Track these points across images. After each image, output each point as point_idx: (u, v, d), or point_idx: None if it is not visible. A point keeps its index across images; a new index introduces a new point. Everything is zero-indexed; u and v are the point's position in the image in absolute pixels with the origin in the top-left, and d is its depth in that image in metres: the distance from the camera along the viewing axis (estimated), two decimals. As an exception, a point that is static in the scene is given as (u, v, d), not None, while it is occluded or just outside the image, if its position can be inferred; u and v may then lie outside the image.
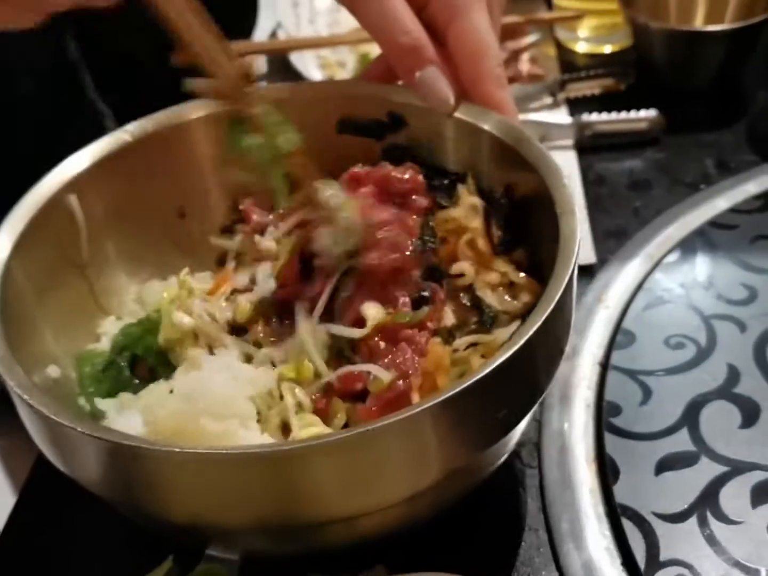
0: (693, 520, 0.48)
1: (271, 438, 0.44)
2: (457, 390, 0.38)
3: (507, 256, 0.50)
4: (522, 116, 0.54)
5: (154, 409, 0.43)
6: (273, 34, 0.97)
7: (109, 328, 0.51)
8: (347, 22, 0.93)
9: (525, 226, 0.51)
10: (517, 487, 0.53)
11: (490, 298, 0.48)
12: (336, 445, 0.37)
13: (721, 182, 0.72)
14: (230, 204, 0.56)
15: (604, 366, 0.58)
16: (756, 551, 0.46)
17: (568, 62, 0.90)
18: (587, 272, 0.65)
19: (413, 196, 0.50)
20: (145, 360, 0.50)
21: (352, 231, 0.47)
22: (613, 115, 0.79)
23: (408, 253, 0.47)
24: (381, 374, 0.44)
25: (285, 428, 0.45)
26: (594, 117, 0.79)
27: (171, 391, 0.45)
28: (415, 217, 0.49)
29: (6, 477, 0.71)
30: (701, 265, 0.64)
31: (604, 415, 0.54)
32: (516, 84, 0.85)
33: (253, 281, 0.51)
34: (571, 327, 0.45)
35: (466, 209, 0.51)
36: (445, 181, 0.53)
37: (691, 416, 0.53)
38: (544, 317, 0.40)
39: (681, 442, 0.52)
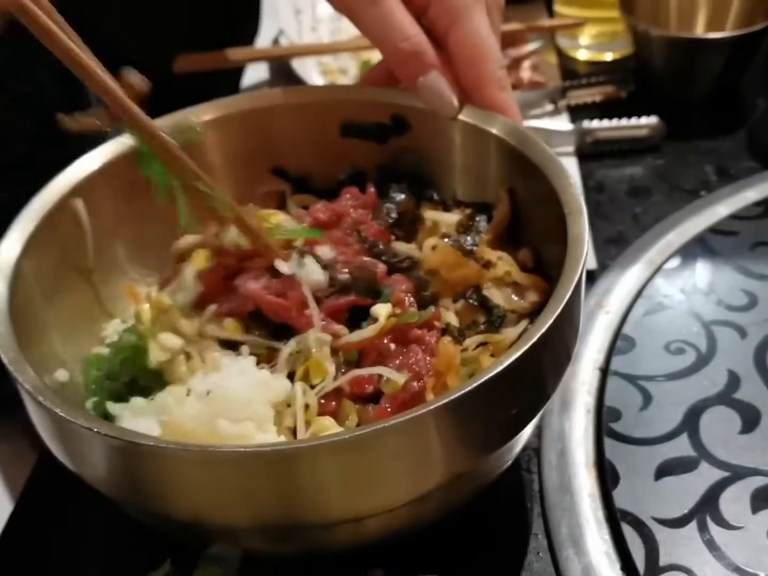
0: (693, 525, 0.48)
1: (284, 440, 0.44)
2: (466, 390, 0.38)
3: (512, 256, 0.51)
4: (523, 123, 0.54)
5: (171, 410, 0.44)
6: (275, 41, 0.97)
7: (114, 332, 0.51)
8: (349, 29, 0.94)
9: (530, 228, 0.51)
10: (517, 491, 0.53)
11: (496, 297, 0.49)
12: (340, 445, 0.37)
13: (722, 189, 0.73)
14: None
15: (605, 371, 0.58)
16: (756, 556, 0.46)
17: (569, 70, 0.91)
18: (588, 278, 0.65)
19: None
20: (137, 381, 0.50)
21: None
22: (614, 122, 0.79)
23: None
24: (394, 376, 0.44)
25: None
26: (595, 124, 0.79)
27: (188, 393, 0.45)
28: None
29: (6, 480, 0.71)
30: (701, 272, 0.64)
31: (604, 420, 0.54)
32: (517, 91, 0.85)
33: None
34: (579, 328, 0.45)
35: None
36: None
37: (691, 422, 0.53)
38: (554, 315, 0.40)
39: (681, 447, 0.52)
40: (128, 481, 0.41)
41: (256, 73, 0.93)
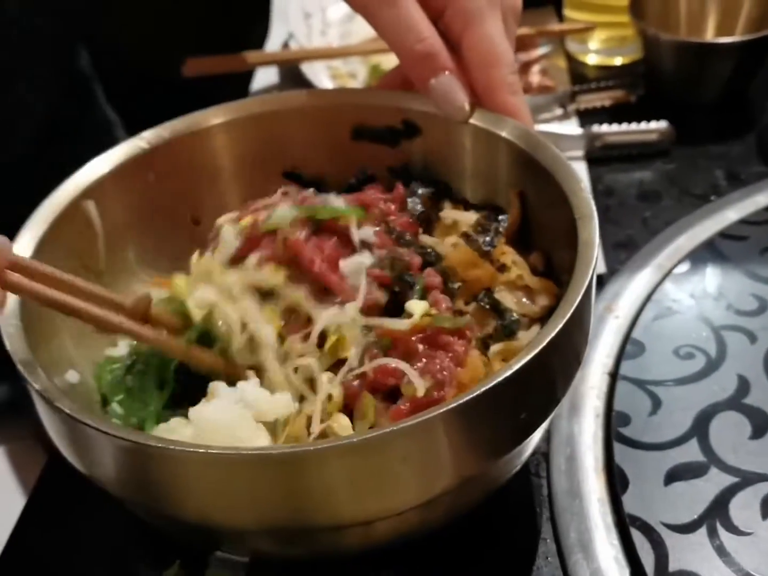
0: (702, 531, 0.48)
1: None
2: (475, 394, 0.38)
3: (523, 259, 0.51)
4: (532, 126, 0.54)
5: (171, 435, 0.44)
6: (285, 45, 0.97)
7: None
8: (359, 33, 0.94)
9: (540, 232, 0.51)
10: (526, 496, 0.53)
11: (507, 300, 0.48)
12: (349, 447, 0.37)
13: (731, 193, 0.72)
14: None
15: (614, 376, 0.58)
16: (766, 562, 0.46)
17: (578, 74, 0.91)
18: (597, 282, 0.65)
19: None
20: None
21: None
22: (623, 127, 0.79)
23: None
24: (416, 382, 0.43)
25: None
26: (604, 128, 0.79)
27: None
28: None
29: (16, 480, 0.72)
30: (711, 276, 0.64)
31: (613, 424, 0.54)
32: (526, 95, 0.85)
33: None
34: (589, 332, 0.45)
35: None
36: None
37: (700, 427, 0.53)
38: (565, 319, 0.40)
39: (690, 452, 0.52)
40: (137, 483, 0.41)
41: (265, 77, 0.93)
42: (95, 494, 0.44)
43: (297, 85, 0.88)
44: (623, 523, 0.49)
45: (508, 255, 0.50)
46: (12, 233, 0.48)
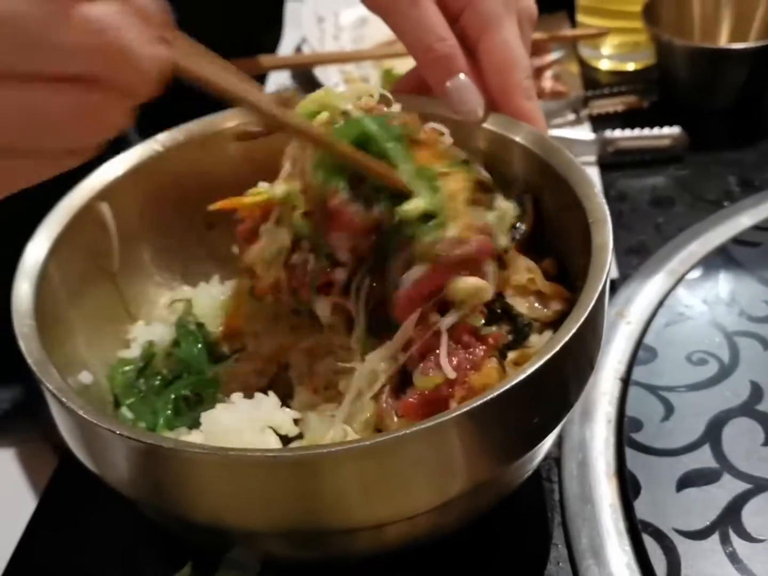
0: (715, 538, 0.47)
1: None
2: (488, 398, 0.38)
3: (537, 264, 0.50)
4: (545, 132, 0.54)
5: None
6: (298, 49, 0.98)
7: (138, 334, 0.52)
8: (372, 38, 0.94)
9: (554, 236, 0.51)
10: (538, 501, 0.52)
11: (519, 305, 0.48)
12: (361, 451, 0.37)
13: (745, 200, 0.72)
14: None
15: (626, 381, 0.57)
16: (779, 570, 0.46)
17: (591, 79, 0.91)
18: (609, 287, 0.65)
19: None
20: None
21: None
22: (636, 132, 0.79)
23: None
24: (447, 370, 0.42)
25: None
26: (617, 133, 0.79)
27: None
28: None
29: (28, 482, 0.72)
30: (724, 282, 0.64)
31: (625, 430, 0.54)
32: (539, 101, 0.85)
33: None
34: (602, 337, 0.45)
35: None
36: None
37: (713, 433, 0.53)
38: (578, 324, 0.40)
39: (703, 458, 0.52)
40: (150, 484, 0.41)
41: (278, 81, 0.93)
42: (106, 495, 0.44)
43: (310, 89, 0.88)
44: (635, 529, 0.49)
45: (522, 262, 0.50)
46: (27, 235, 0.48)
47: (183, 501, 0.41)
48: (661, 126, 0.79)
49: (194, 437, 0.46)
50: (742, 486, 0.50)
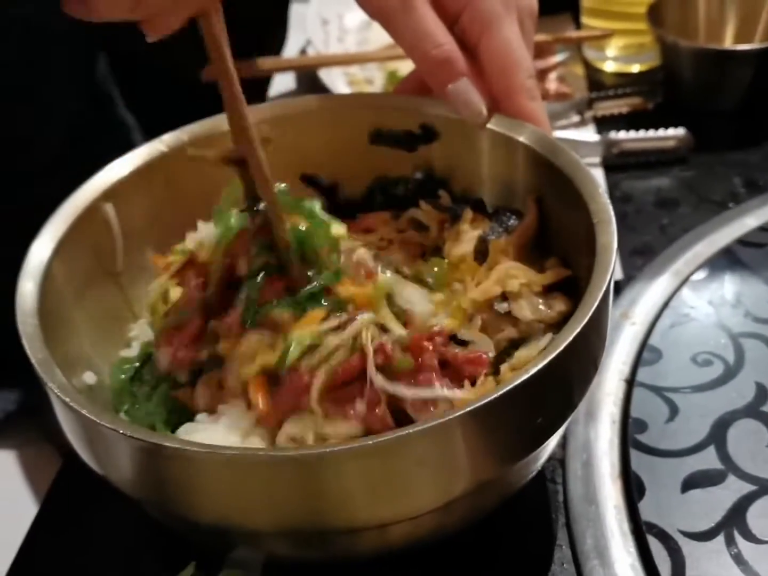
0: (720, 539, 0.47)
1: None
2: (492, 398, 0.38)
3: (539, 265, 0.50)
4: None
5: None
6: (302, 51, 0.98)
7: (139, 332, 0.52)
8: (376, 40, 0.94)
9: (558, 237, 0.51)
10: (542, 502, 0.52)
11: (524, 306, 0.48)
12: (364, 450, 0.37)
13: (750, 201, 0.72)
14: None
15: (630, 382, 0.57)
16: (784, 571, 0.45)
17: (595, 81, 0.91)
18: (614, 288, 0.65)
19: None
20: None
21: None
22: (641, 134, 0.79)
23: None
24: (454, 395, 0.43)
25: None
26: (621, 135, 0.79)
27: None
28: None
29: (31, 483, 0.72)
30: (729, 283, 0.64)
31: (629, 431, 0.54)
32: (543, 102, 0.85)
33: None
34: (606, 337, 0.45)
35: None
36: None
37: (718, 434, 0.53)
38: (582, 324, 0.40)
39: (708, 460, 0.51)
40: (153, 483, 0.41)
41: (283, 83, 0.94)
42: (109, 497, 0.44)
43: (314, 91, 0.88)
44: (640, 531, 0.48)
45: (515, 270, 0.49)
46: (32, 237, 0.48)
47: (186, 500, 0.41)
48: (666, 127, 0.79)
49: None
50: (747, 487, 0.50)
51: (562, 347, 0.39)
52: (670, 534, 0.48)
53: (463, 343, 0.46)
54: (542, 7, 0.55)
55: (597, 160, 0.78)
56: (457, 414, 0.37)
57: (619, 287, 0.65)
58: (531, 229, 0.52)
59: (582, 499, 0.51)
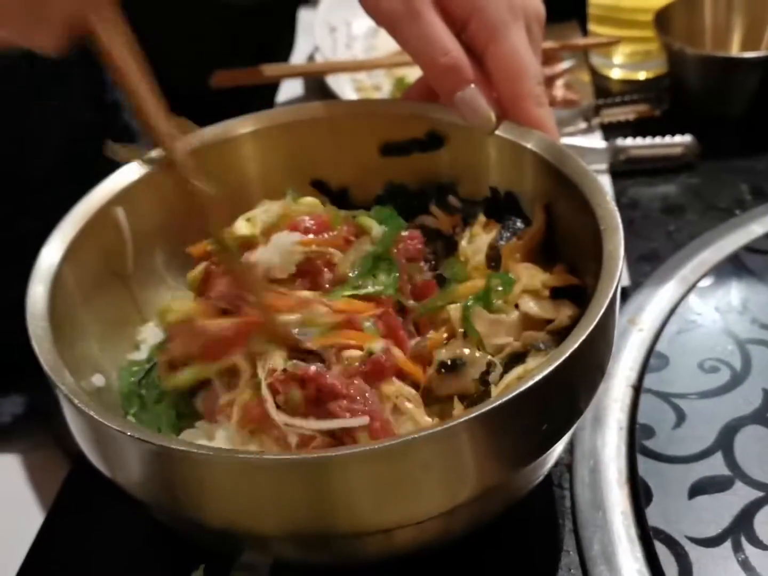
0: (727, 545, 0.47)
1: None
2: (498, 403, 0.38)
3: (547, 271, 0.50)
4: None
5: None
6: (310, 58, 0.98)
7: (148, 335, 0.52)
8: (383, 47, 0.94)
9: (565, 243, 0.51)
10: (549, 507, 0.52)
11: (534, 310, 0.48)
12: (372, 454, 0.37)
13: (757, 207, 0.72)
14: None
15: (637, 389, 0.57)
16: (791, 578, 0.45)
17: (602, 88, 0.91)
18: (621, 295, 0.64)
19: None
20: None
21: None
22: (648, 140, 0.79)
23: None
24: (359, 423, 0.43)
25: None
26: (628, 142, 0.79)
27: None
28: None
29: (39, 487, 0.72)
30: (736, 290, 0.64)
31: (636, 437, 0.54)
32: (550, 109, 0.85)
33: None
34: (613, 343, 0.45)
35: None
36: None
37: (725, 440, 0.53)
38: (589, 329, 0.40)
39: (715, 466, 0.51)
40: (162, 486, 0.42)
41: (291, 89, 0.94)
42: (117, 501, 0.44)
43: (322, 98, 0.88)
44: (647, 536, 0.48)
45: (520, 268, 0.50)
46: (42, 240, 0.49)
47: (194, 503, 0.41)
48: (673, 134, 0.79)
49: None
50: (754, 494, 0.50)
51: (568, 353, 0.39)
52: (677, 540, 0.48)
53: None
54: (549, 15, 0.55)
55: (604, 166, 0.78)
56: (464, 419, 0.38)
57: (626, 293, 0.65)
58: (539, 236, 0.52)
59: (589, 505, 0.51)
